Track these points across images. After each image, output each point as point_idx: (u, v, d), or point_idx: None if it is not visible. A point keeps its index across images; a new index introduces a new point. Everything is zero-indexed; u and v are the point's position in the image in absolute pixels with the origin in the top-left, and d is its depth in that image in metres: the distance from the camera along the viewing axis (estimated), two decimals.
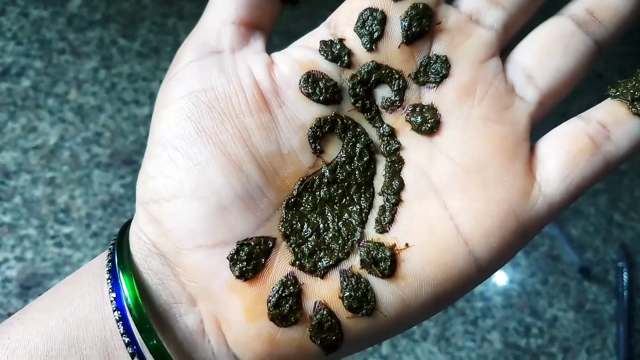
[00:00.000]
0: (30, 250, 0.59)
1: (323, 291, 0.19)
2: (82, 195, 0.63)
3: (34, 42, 0.72)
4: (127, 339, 0.17)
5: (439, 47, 0.20)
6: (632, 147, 0.19)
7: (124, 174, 0.65)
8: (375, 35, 0.19)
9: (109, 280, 0.18)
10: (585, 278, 0.70)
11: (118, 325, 0.18)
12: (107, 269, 0.19)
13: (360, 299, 0.18)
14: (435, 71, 0.20)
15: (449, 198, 0.19)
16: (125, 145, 0.67)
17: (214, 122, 0.18)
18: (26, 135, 0.65)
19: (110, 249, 0.19)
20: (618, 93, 0.20)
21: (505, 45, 0.21)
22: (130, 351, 0.17)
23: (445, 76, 0.20)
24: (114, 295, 0.18)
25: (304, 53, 0.20)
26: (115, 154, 0.66)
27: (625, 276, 0.70)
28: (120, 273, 0.18)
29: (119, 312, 0.18)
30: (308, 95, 0.19)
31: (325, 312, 0.18)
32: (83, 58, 0.72)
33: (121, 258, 0.19)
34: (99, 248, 0.60)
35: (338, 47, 0.20)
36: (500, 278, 0.68)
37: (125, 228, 0.20)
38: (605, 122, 0.19)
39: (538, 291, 0.68)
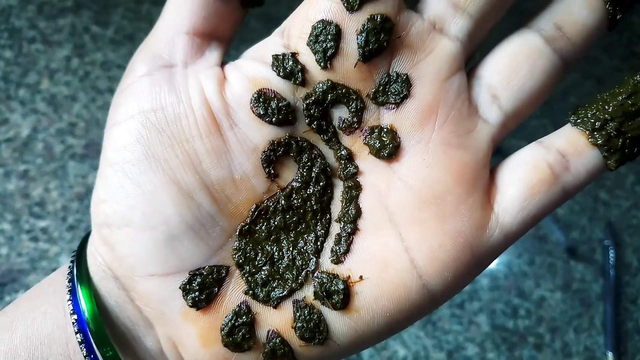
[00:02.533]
0: (5, 246, 0.58)
1: (276, 320, 0.18)
2: (57, 188, 0.61)
3: (3, 31, 0.70)
4: (86, 350, 0.18)
5: (399, 64, 0.18)
6: (589, 177, 0.19)
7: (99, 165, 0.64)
8: (329, 52, 0.18)
9: (70, 302, 0.18)
10: (572, 257, 0.70)
11: (81, 348, 0.17)
12: (67, 289, 0.18)
13: (313, 329, 0.18)
14: (396, 91, 0.18)
15: (405, 230, 0.18)
16: (100, 135, 0.65)
17: (163, 146, 0.18)
18: None
19: (70, 266, 0.19)
20: (579, 120, 0.19)
21: (471, 54, 0.20)
22: None
23: (406, 96, 0.18)
24: (75, 317, 0.18)
25: (256, 68, 0.19)
26: (90, 145, 0.65)
27: (611, 254, 0.69)
28: (80, 293, 0.18)
29: (82, 335, 0.18)
30: (260, 116, 0.18)
31: (278, 341, 0.18)
32: (55, 47, 0.70)
33: (80, 278, 0.18)
34: (76, 241, 0.59)
35: (291, 62, 0.18)
36: None
37: (84, 244, 0.20)
38: (566, 151, 0.19)
39: (525, 272, 0.68)
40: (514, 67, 0.19)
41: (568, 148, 0.19)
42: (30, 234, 0.59)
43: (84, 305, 0.18)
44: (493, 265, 0.67)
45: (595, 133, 0.18)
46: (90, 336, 0.18)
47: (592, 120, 0.18)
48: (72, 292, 0.18)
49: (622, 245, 0.72)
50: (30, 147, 0.63)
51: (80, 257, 0.19)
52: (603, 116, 0.18)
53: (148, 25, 0.74)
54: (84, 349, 0.17)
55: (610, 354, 0.63)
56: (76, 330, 0.18)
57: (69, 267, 0.19)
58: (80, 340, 0.18)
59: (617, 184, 0.76)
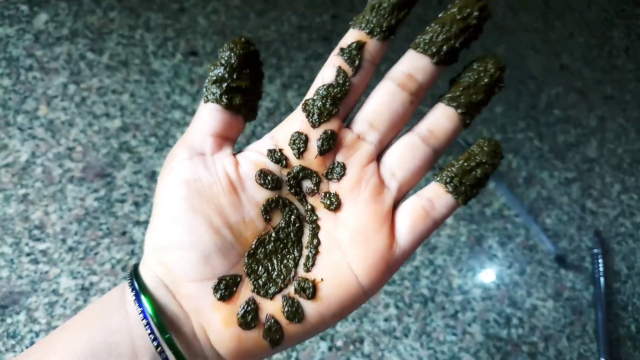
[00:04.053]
0: (6, 269, 0.58)
1: (271, 308, 0.28)
2: (56, 211, 0.62)
3: (0, 60, 0.71)
4: (152, 337, 0.26)
5: (339, 157, 0.30)
6: (449, 211, 0.30)
7: (97, 187, 0.65)
8: (301, 150, 0.30)
9: (135, 302, 0.27)
10: (562, 266, 0.71)
11: (146, 328, 0.26)
12: (132, 296, 0.27)
13: (294, 313, 0.28)
14: (337, 172, 0.30)
15: (346, 251, 0.29)
16: (97, 158, 0.67)
17: (201, 201, 0.28)
18: None
19: (129, 282, 0.28)
20: (438, 178, 0.30)
21: (381, 150, 0.31)
22: (155, 344, 0.26)
23: (343, 175, 0.30)
24: (140, 309, 0.26)
25: (257, 157, 0.30)
26: (88, 168, 0.66)
27: (600, 262, 0.71)
28: (143, 296, 0.27)
29: (147, 325, 0.26)
30: (261, 185, 0.29)
31: (272, 321, 0.28)
32: (51, 74, 0.72)
33: (140, 286, 0.27)
34: (76, 263, 0.60)
35: (279, 154, 0.30)
36: (479, 271, 0.69)
37: (135, 268, 0.29)
38: (431, 198, 0.30)
39: (516, 282, 0.69)
40: (402, 156, 0.30)
41: (433, 196, 0.30)
42: (30, 256, 0.59)
43: (146, 305, 0.26)
44: (484, 275, 0.69)
45: (447, 185, 0.30)
46: (153, 326, 0.26)
47: (445, 177, 0.30)
48: (137, 297, 0.27)
49: (611, 253, 0.73)
50: (29, 171, 0.64)
51: (136, 276, 0.28)
52: (452, 174, 0.30)
53: (141, 50, 0.76)
54: (151, 336, 0.26)
55: None
56: (145, 324, 0.26)
57: (129, 283, 0.28)
58: (146, 329, 0.26)
59: (603, 193, 0.78)
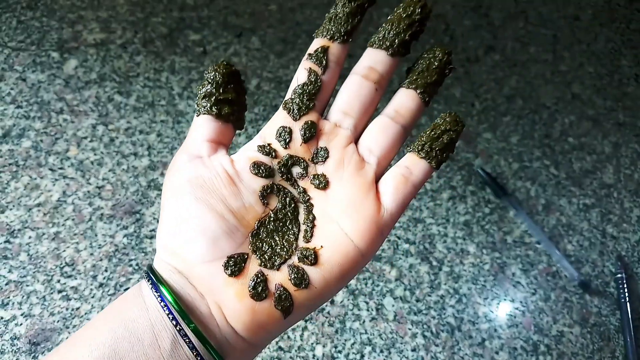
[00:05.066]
0: (38, 306, 0.59)
1: (279, 277, 0.31)
2: (87, 248, 0.64)
3: (32, 104, 0.74)
4: (174, 322, 0.28)
5: (321, 142, 0.34)
6: (425, 175, 0.34)
7: (126, 224, 0.66)
8: (287, 140, 0.34)
9: (153, 290, 0.29)
10: (586, 292, 0.71)
11: (168, 315, 0.28)
12: (150, 286, 0.29)
13: (300, 279, 0.31)
14: (322, 156, 0.34)
15: (339, 220, 0.32)
16: (126, 196, 0.69)
17: (204, 193, 0.31)
18: (29, 193, 0.67)
19: (146, 278, 0.30)
20: (411, 148, 0.35)
21: (358, 134, 0.35)
22: (178, 328, 0.28)
23: (327, 158, 0.34)
24: (160, 297, 0.28)
25: (250, 152, 0.33)
26: (117, 206, 0.68)
27: (625, 287, 0.70)
28: (161, 286, 0.29)
29: (167, 308, 0.28)
30: (255, 174, 0.32)
31: (282, 290, 0.30)
32: (81, 116, 0.74)
33: (157, 278, 0.29)
34: (106, 299, 0.61)
35: (268, 148, 0.33)
36: (504, 299, 0.69)
37: (150, 266, 0.31)
38: (408, 165, 0.34)
39: (541, 308, 0.69)
40: (376, 135, 0.34)
41: (409, 163, 0.34)
42: (61, 293, 0.61)
43: (165, 293, 0.28)
44: (509, 303, 0.69)
45: (420, 152, 0.34)
46: (174, 312, 0.28)
47: (417, 146, 0.34)
48: (155, 287, 0.29)
49: (635, 278, 0.73)
50: (60, 210, 0.66)
51: (152, 271, 0.30)
52: (423, 142, 0.34)
53: (167, 92, 0.79)
54: (174, 321, 0.28)
55: None
56: (167, 313, 0.28)
57: (146, 278, 0.30)
58: (168, 316, 0.28)
59: (623, 218, 0.78)
